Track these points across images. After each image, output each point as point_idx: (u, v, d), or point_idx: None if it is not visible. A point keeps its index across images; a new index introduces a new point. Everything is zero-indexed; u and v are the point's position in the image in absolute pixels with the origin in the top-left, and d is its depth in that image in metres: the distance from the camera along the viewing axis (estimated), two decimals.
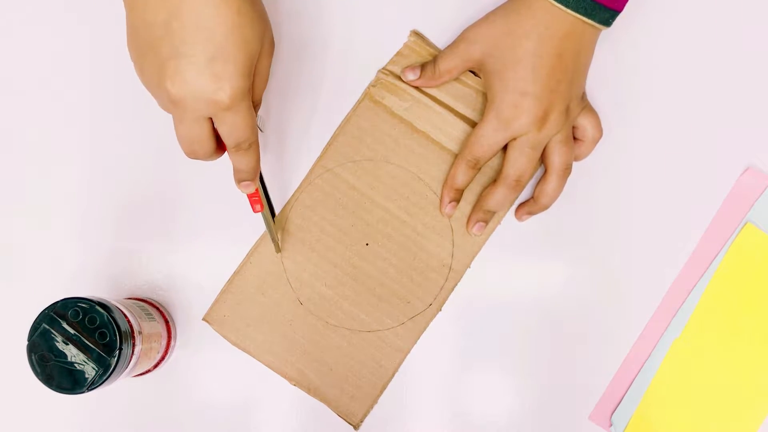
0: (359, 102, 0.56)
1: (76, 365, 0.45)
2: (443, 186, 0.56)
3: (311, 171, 0.56)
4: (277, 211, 0.56)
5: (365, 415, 0.55)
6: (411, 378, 0.56)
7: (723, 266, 0.55)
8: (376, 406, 0.55)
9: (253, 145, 0.47)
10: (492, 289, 0.56)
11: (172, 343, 0.55)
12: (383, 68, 0.56)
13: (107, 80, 0.57)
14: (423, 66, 0.56)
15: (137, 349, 0.48)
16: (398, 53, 0.57)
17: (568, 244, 0.56)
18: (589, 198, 0.56)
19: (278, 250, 0.55)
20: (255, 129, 0.47)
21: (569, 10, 0.49)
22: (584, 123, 0.54)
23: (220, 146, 0.48)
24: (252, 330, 0.55)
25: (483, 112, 0.54)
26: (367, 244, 0.56)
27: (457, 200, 0.56)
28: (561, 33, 0.50)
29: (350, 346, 0.55)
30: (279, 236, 0.56)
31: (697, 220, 0.56)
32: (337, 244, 0.56)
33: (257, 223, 0.55)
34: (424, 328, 0.56)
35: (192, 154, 0.47)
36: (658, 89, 0.57)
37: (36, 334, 0.45)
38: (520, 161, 0.53)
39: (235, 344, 0.55)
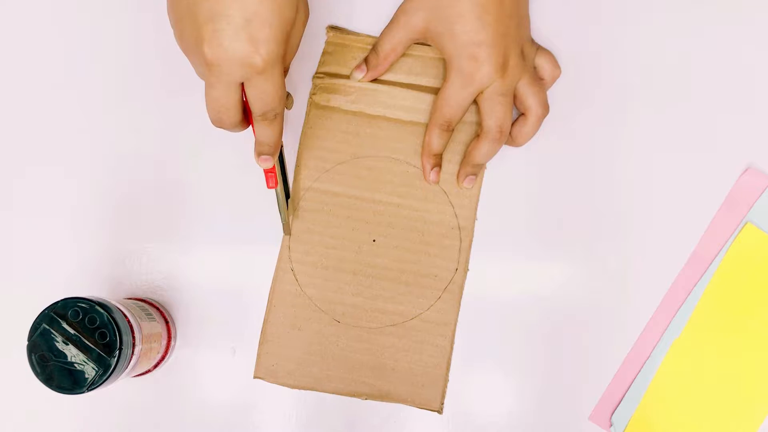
0: (307, 114, 0.56)
1: (76, 365, 0.45)
2: (422, 155, 0.56)
3: (293, 198, 0.56)
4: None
5: (443, 396, 0.55)
6: None
7: (723, 266, 0.55)
8: (374, 408, 0.55)
9: (278, 117, 0.47)
10: (492, 289, 0.56)
11: (172, 343, 0.55)
12: (315, 73, 0.57)
13: (108, 80, 0.57)
14: (365, 59, 0.56)
15: (137, 349, 0.48)
16: (324, 53, 0.57)
17: (568, 244, 0.56)
18: (589, 198, 0.56)
19: (288, 232, 0.55)
20: (283, 99, 0.47)
21: None
22: (540, 62, 0.55)
23: (245, 118, 0.48)
24: (305, 367, 0.55)
25: (436, 76, 0.55)
26: (374, 241, 0.56)
27: (439, 165, 0.56)
28: None
29: (401, 340, 0.55)
30: (290, 220, 0.56)
31: (697, 220, 0.56)
32: (346, 253, 0.56)
33: (258, 223, 0.56)
34: (461, 293, 0.56)
35: (218, 122, 0.47)
36: (657, 89, 0.57)
37: (36, 334, 0.45)
38: (496, 110, 0.53)
39: (296, 387, 0.55)
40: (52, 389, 0.45)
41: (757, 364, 0.55)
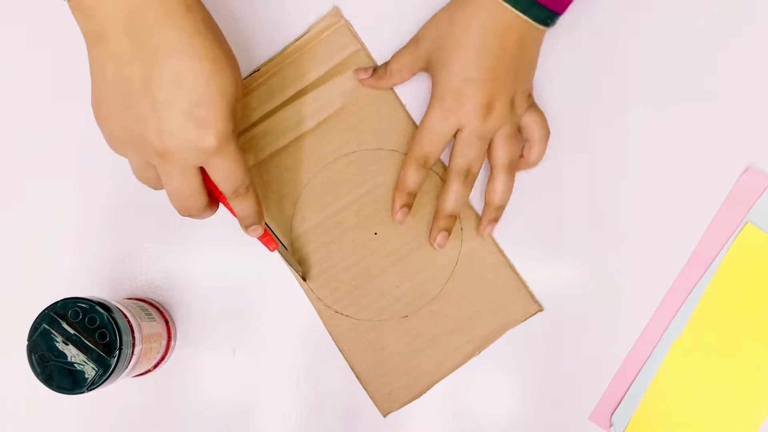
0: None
1: (76, 365, 0.45)
2: (394, 190, 0.55)
3: (290, 249, 0.56)
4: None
5: (533, 296, 0.55)
6: None
7: (723, 266, 0.55)
8: (374, 408, 0.55)
9: (250, 188, 0.48)
10: None
11: (172, 343, 0.55)
12: None
13: None
14: (375, 67, 0.56)
15: (137, 349, 0.48)
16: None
17: (568, 244, 0.56)
18: (589, 198, 0.56)
19: (305, 277, 0.55)
20: (248, 171, 0.47)
21: (507, 5, 0.49)
22: (529, 121, 0.54)
23: (212, 201, 0.48)
24: (413, 370, 0.55)
25: (297, 77, 0.55)
26: (375, 234, 0.56)
27: (409, 205, 0.55)
28: (502, 26, 0.50)
29: (461, 286, 0.55)
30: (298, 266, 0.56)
31: (697, 220, 0.56)
32: (363, 263, 0.56)
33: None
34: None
35: (185, 211, 0.47)
36: (657, 89, 0.57)
37: (36, 334, 0.45)
38: (467, 151, 0.52)
39: (423, 393, 0.55)
40: (52, 389, 0.45)
41: (757, 364, 0.55)
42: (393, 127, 0.56)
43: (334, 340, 0.55)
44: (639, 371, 0.55)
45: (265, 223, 0.52)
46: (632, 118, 0.57)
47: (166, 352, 0.54)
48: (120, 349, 0.46)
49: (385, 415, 0.55)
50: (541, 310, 0.55)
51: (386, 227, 0.56)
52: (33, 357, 0.45)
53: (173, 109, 0.43)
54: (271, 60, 0.56)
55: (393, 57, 0.56)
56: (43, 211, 0.56)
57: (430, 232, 0.55)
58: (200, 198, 0.47)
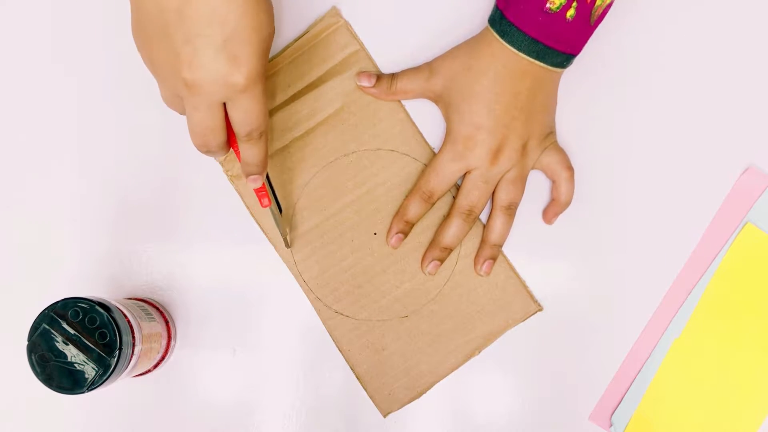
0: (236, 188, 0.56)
1: (76, 365, 0.45)
2: (394, 216, 0.56)
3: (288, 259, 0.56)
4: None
5: (532, 297, 0.55)
6: None
7: (723, 266, 0.55)
8: (374, 408, 0.55)
9: (263, 135, 0.47)
10: None
11: (172, 343, 0.55)
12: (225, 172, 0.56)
13: (108, 80, 0.57)
14: (380, 76, 0.56)
15: (137, 349, 0.48)
16: None
17: (568, 244, 0.56)
18: (589, 198, 0.56)
19: (288, 245, 0.55)
20: (267, 116, 0.47)
21: (522, 54, 0.50)
22: (549, 162, 0.54)
23: (229, 140, 0.48)
24: (413, 370, 0.55)
25: (305, 73, 0.55)
26: (375, 234, 0.56)
27: (405, 233, 0.55)
28: (517, 72, 0.51)
29: (462, 287, 0.56)
30: (288, 233, 0.56)
31: (697, 220, 0.56)
32: (364, 262, 0.56)
33: (257, 224, 0.56)
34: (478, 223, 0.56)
35: (204, 146, 0.47)
36: (657, 89, 0.57)
37: (36, 334, 0.45)
38: (473, 193, 0.54)
39: (423, 392, 0.55)
40: (52, 389, 0.45)
41: (757, 364, 0.55)
42: (392, 128, 0.56)
43: (333, 340, 0.55)
44: (639, 371, 0.55)
45: (268, 179, 0.52)
46: (632, 117, 0.57)
47: (166, 352, 0.54)
48: (120, 349, 0.46)
49: (385, 416, 0.55)
50: (540, 309, 0.55)
51: (386, 227, 0.56)
52: (33, 357, 0.45)
53: (206, 41, 0.42)
54: (271, 60, 0.56)
55: (402, 76, 0.55)
56: (43, 211, 0.56)
57: (423, 257, 0.56)
58: (220, 134, 0.46)
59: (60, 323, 0.45)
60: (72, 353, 0.45)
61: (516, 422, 0.55)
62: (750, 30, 0.57)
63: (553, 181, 0.55)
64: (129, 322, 0.48)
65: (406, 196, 0.56)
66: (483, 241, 0.55)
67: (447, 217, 0.55)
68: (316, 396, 0.56)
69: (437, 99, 0.55)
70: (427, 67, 0.55)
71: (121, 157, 0.57)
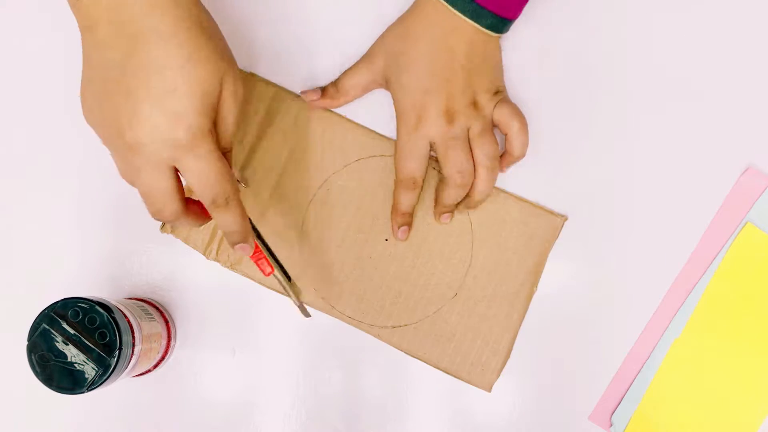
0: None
1: (76, 365, 0.45)
2: (391, 213, 0.55)
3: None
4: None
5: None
6: (411, 378, 0.56)
7: (723, 266, 0.55)
8: (374, 408, 0.55)
9: (231, 201, 0.44)
10: None
11: (172, 343, 0.55)
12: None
13: None
14: (323, 88, 0.55)
15: (137, 349, 0.48)
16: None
17: (568, 244, 0.56)
18: (589, 198, 0.56)
19: (306, 314, 0.52)
20: (229, 180, 0.44)
21: (456, 11, 0.50)
22: (501, 115, 0.53)
23: (192, 210, 0.46)
24: (492, 343, 0.55)
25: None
26: (386, 240, 0.56)
27: (408, 223, 0.55)
28: (451, 32, 0.50)
29: (488, 247, 0.56)
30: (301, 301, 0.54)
31: (697, 220, 0.56)
32: (387, 271, 0.56)
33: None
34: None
35: (157, 214, 0.44)
36: (657, 89, 0.57)
37: (36, 334, 0.45)
38: (450, 156, 0.52)
39: (507, 360, 0.55)
40: (52, 389, 0.45)
41: (757, 364, 0.55)
42: (344, 140, 0.56)
43: (405, 353, 0.55)
44: (639, 371, 0.55)
45: (264, 243, 0.50)
46: (632, 118, 0.57)
47: (166, 352, 0.54)
48: (120, 349, 0.46)
49: (490, 390, 0.55)
50: (566, 218, 0.56)
51: (391, 228, 0.56)
52: (33, 357, 0.45)
53: (146, 96, 0.41)
54: None
55: (344, 75, 0.55)
56: (43, 211, 0.56)
57: (434, 214, 0.56)
58: (171, 201, 0.43)
59: (60, 323, 0.45)
60: (72, 353, 0.45)
61: (516, 422, 0.55)
62: (750, 30, 0.57)
63: (506, 135, 0.54)
64: (129, 322, 0.48)
65: (394, 192, 0.55)
66: (469, 196, 0.54)
67: (441, 184, 0.54)
68: (316, 396, 0.56)
69: (383, 81, 0.54)
70: (366, 55, 0.55)
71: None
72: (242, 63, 0.55)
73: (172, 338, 0.55)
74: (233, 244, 0.47)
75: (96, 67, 0.43)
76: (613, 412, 0.55)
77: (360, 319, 0.55)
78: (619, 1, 0.57)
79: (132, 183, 0.44)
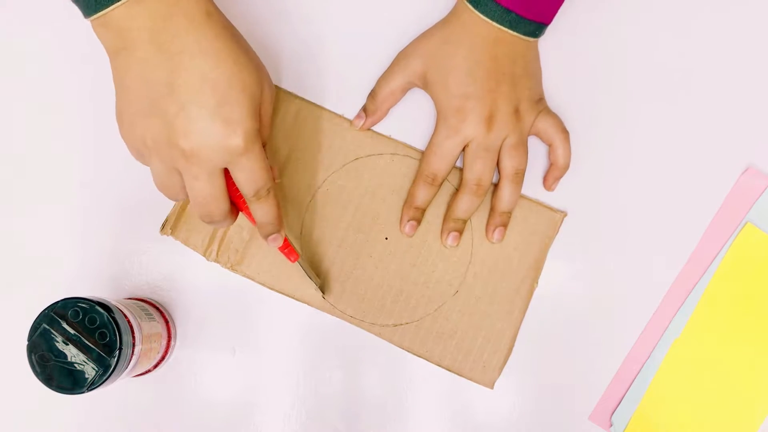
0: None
1: (76, 365, 0.45)
2: (403, 205, 0.56)
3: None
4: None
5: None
6: (411, 377, 0.56)
7: (723, 266, 0.55)
8: (374, 408, 0.55)
9: (270, 192, 0.48)
10: None
11: (172, 343, 0.55)
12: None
13: (108, 79, 0.57)
14: (364, 107, 0.56)
15: (137, 349, 0.48)
16: None
17: (568, 244, 0.56)
18: (589, 198, 0.56)
19: (323, 292, 0.55)
20: (270, 174, 0.47)
21: (494, 23, 0.50)
22: (544, 126, 0.54)
23: (232, 208, 0.48)
24: (494, 340, 0.55)
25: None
26: (386, 239, 0.56)
27: (418, 219, 0.55)
28: (491, 39, 0.51)
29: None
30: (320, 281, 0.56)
31: (697, 220, 0.56)
32: (388, 270, 0.56)
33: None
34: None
35: (208, 216, 0.47)
36: (657, 89, 0.57)
37: (36, 334, 0.45)
38: (476, 165, 0.53)
39: (508, 357, 0.55)
40: (52, 389, 0.45)
41: (758, 364, 0.55)
42: (345, 142, 0.56)
43: (407, 350, 0.55)
44: (639, 371, 0.55)
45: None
46: (632, 117, 0.57)
47: (166, 352, 0.54)
48: (120, 349, 0.46)
49: (492, 387, 0.55)
50: (565, 214, 0.56)
51: (391, 228, 0.56)
52: (33, 357, 0.45)
53: (199, 108, 0.43)
54: None
55: (380, 82, 0.55)
56: (43, 211, 0.56)
57: (441, 233, 0.56)
58: (223, 203, 0.47)
59: (60, 323, 0.45)
60: (72, 353, 0.45)
61: (516, 422, 0.55)
62: (750, 30, 0.57)
63: (550, 145, 0.55)
64: (129, 322, 0.48)
65: (412, 183, 0.55)
66: (492, 209, 0.55)
67: (457, 192, 0.55)
68: (316, 396, 0.56)
69: (422, 81, 0.54)
70: (400, 58, 0.55)
71: (122, 156, 0.56)
72: None
73: (172, 338, 0.55)
74: (267, 236, 0.49)
75: (137, 87, 0.44)
76: (613, 412, 0.55)
77: (361, 318, 0.55)
78: (619, 1, 0.57)
79: (171, 194, 0.48)
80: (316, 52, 0.57)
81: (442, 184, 0.55)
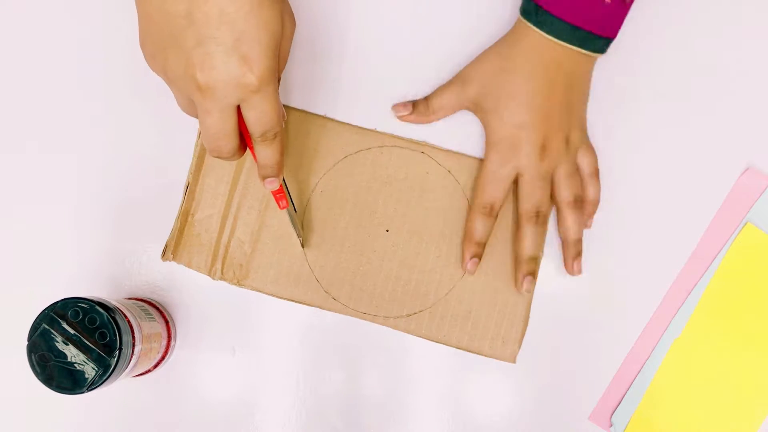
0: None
1: (76, 365, 0.45)
2: (463, 241, 0.55)
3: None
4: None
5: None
6: (411, 378, 0.56)
7: (723, 266, 0.55)
8: (375, 408, 0.55)
9: (278, 136, 0.47)
10: None
11: (172, 343, 0.55)
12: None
13: (108, 80, 0.57)
14: (415, 102, 0.56)
15: (137, 349, 0.48)
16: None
17: None
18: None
19: (304, 245, 0.55)
20: (281, 117, 0.46)
21: (563, 42, 0.50)
22: (583, 163, 0.55)
23: (242, 144, 0.48)
24: (508, 314, 0.55)
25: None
26: (387, 231, 0.56)
27: (479, 255, 0.55)
28: (554, 64, 0.51)
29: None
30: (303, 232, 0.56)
31: (697, 220, 0.56)
32: (393, 260, 0.56)
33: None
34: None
35: (216, 151, 0.47)
36: (658, 89, 0.57)
37: (36, 334, 0.45)
38: (533, 194, 0.53)
39: (525, 329, 0.55)
40: (52, 389, 0.45)
41: (758, 364, 0.55)
42: (332, 142, 0.56)
43: (424, 338, 0.55)
44: (639, 371, 0.55)
45: (283, 181, 0.51)
46: (632, 117, 0.57)
47: (166, 352, 0.54)
48: (120, 349, 0.46)
49: (514, 361, 0.55)
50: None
51: (389, 219, 0.56)
52: (33, 357, 0.45)
53: (217, 43, 0.43)
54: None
55: (436, 94, 0.55)
56: (43, 211, 0.56)
57: (515, 278, 0.55)
58: (233, 139, 0.46)
59: (60, 323, 0.45)
60: (72, 353, 0.45)
61: (516, 422, 0.55)
62: (750, 30, 0.57)
63: (582, 179, 0.55)
64: (129, 322, 0.48)
65: (467, 217, 0.55)
66: (564, 242, 0.55)
67: (517, 230, 0.54)
68: (316, 396, 0.56)
69: (474, 106, 0.55)
70: (459, 78, 0.55)
71: (121, 156, 0.57)
72: None
73: (172, 338, 0.55)
74: (265, 177, 0.49)
75: (158, 19, 0.44)
76: (613, 412, 0.55)
77: (375, 314, 0.55)
78: None
79: (193, 116, 0.47)
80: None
81: (498, 214, 0.54)
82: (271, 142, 0.47)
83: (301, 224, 0.56)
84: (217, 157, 0.47)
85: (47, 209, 0.56)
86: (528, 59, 0.51)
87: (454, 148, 0.56)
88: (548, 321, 0.56)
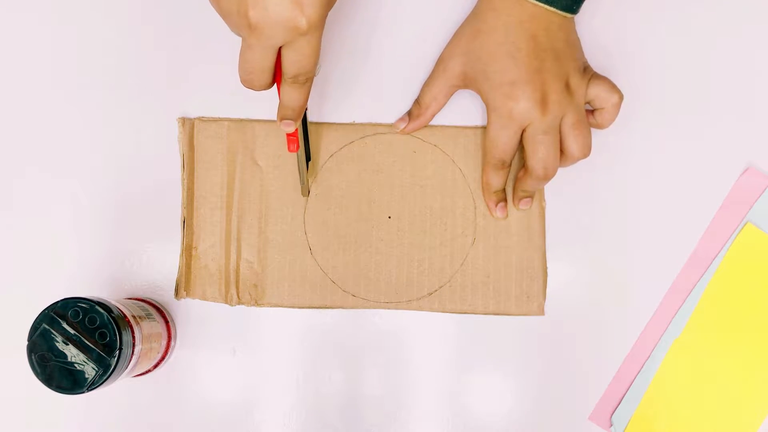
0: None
1: (76, 365, 0.45)
2: (483, 193, 0.56)
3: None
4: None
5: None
6: (411, 378, 0.56)
7: (723, 266, 0.55)
8: (375, 408, 0.55)
9: (309, 81, 0.47)
10: None
11: (172, 343, 0.55)
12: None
13: (108, 80, 0.57)
14: (409, 111, 0.56)
15: (137, 349, 0.48)
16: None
17: (569, 244, 0.56)
18: (590, 198, 0.56)
19: (305, 193, 0.55)
20: (317, 63, 0.46)
21: (531, 0, 0.50)
22: (596, 91, 0.53)
23: (273, 81, 0.48)
24: (527, 269, 0.56)
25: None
26: (389, 217, 0.56)
27: (503, 200, 0.55)
28: (525, 17, 0.50)
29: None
30: (309, 182, 0.56)
31: (697, 220, 0.56)
32: (401, 245, 0.56)
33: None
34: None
35: (248, 83, 0.47)
36: (658, 89, 0.57)
37: (36, 334, 0.45)
38: (539, 151, 0.52)
39: (546, 278, 0.56)
40: (52, 389, 0.45)
41: (758, 364, 0.55)
42: (315, 145, 0.56)
43: (451, 312, 0.55)
44: (639, 371, 0.55)
45: (305, 126, 0.51)
46: (632, 117, 0.57)
47: (166, 352, 0.54)
48: (120, 349, 0.46)
49: (543, 313, 0.55)
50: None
51: (389, 205, 0.56)
52: (33, 357, 0.45)
53: None
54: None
55: (423, 89, 0.55)
56: (43, 211, 0.56)
57: (512, 198, 0.56)
58: (268, 76, 0.46)
59: (60, 323, 0.45)
60: (72, 353, 0.45)
61: (516, 422, 0.55)
62: (749, 30, 0.57)
63: (601, 108, 0.53)
64: (129, 322, 0.48)
65: (482, 172, 0.55)
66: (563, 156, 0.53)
67: (523, 172, 0.54)
68: (316, 396, 0.56)
69: (465, 81, 0.54)
70: (439, 62, 0.55)
71: (122, 156, 0.57)
72: None
73: (172, 338, 0.55)
74: (283, 118, 0.49)
75: None
76: (613, 412, 0.55)
77: (397, 300, 0.56)
78: (617, 3, 0.57)
79: (241, 36, 0.46)
80: None
81: (511, 163, 0.54)
82: (300, 85, 0.47)
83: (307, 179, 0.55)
84: (248, 88, 0.47)
85: (47, 209, 0.56)
86: (499, 17, 0.51)
87: (435, 123, 0.56)
88: (548, 321, 0.56)
